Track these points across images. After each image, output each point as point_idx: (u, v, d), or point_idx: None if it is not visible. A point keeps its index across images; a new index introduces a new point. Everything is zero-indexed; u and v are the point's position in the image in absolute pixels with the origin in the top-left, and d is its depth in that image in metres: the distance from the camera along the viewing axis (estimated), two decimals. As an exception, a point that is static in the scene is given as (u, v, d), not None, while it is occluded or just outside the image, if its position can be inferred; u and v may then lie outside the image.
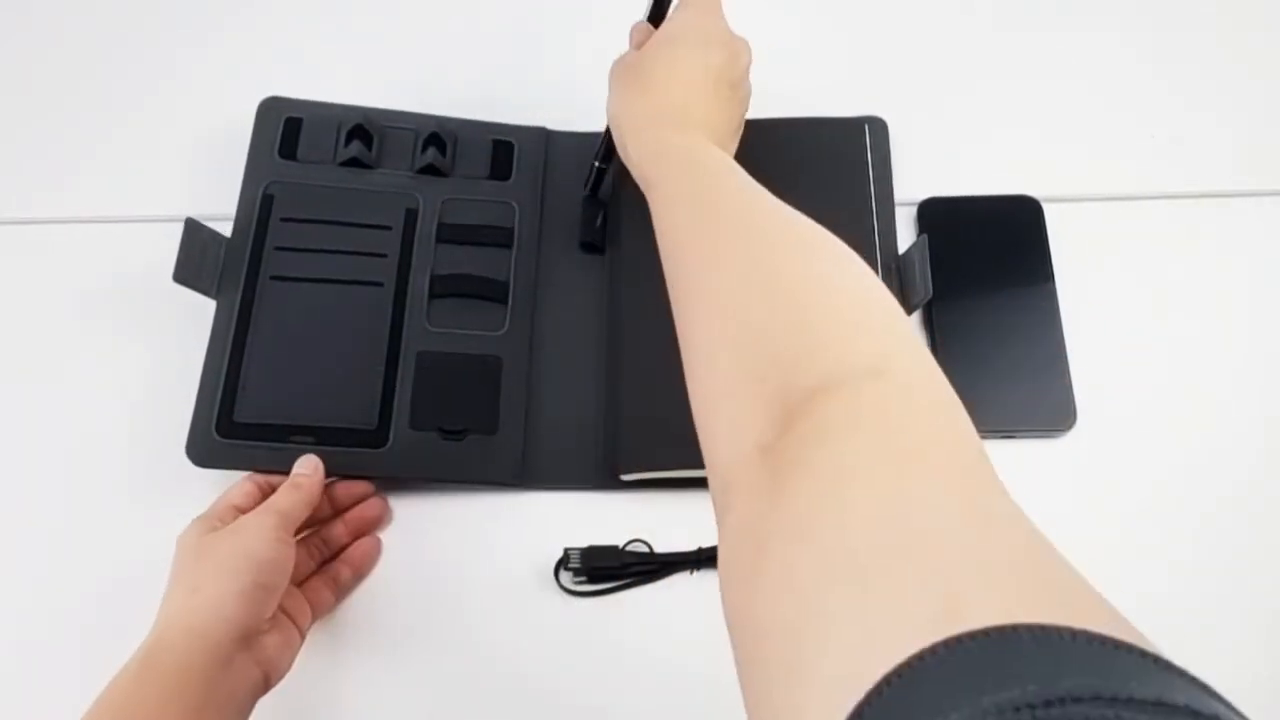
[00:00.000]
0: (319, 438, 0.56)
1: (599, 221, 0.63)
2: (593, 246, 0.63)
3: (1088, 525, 0.56)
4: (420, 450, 0.57)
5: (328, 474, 0.56)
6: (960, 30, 0.71)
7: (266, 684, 0.48)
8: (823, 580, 0.26)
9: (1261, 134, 0.67)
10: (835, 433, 0.30)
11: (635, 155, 0.51)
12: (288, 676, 0.54)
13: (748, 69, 0.55)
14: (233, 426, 0.56)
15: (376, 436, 0.57)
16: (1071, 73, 0.69)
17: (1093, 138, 0.67)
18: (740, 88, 0.55)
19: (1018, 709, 0.18)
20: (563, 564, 0.55)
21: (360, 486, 0.57)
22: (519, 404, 0.59)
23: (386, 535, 0.57)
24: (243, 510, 0.52)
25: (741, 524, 0.31)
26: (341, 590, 0.55)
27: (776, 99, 0.65)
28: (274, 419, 0.56)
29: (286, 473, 0.55)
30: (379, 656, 0.55)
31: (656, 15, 0.56)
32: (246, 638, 0.47)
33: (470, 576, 0.56)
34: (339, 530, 0.56)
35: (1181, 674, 0.20)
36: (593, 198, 0.64)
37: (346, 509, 0.57)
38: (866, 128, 0.64)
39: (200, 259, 0.58)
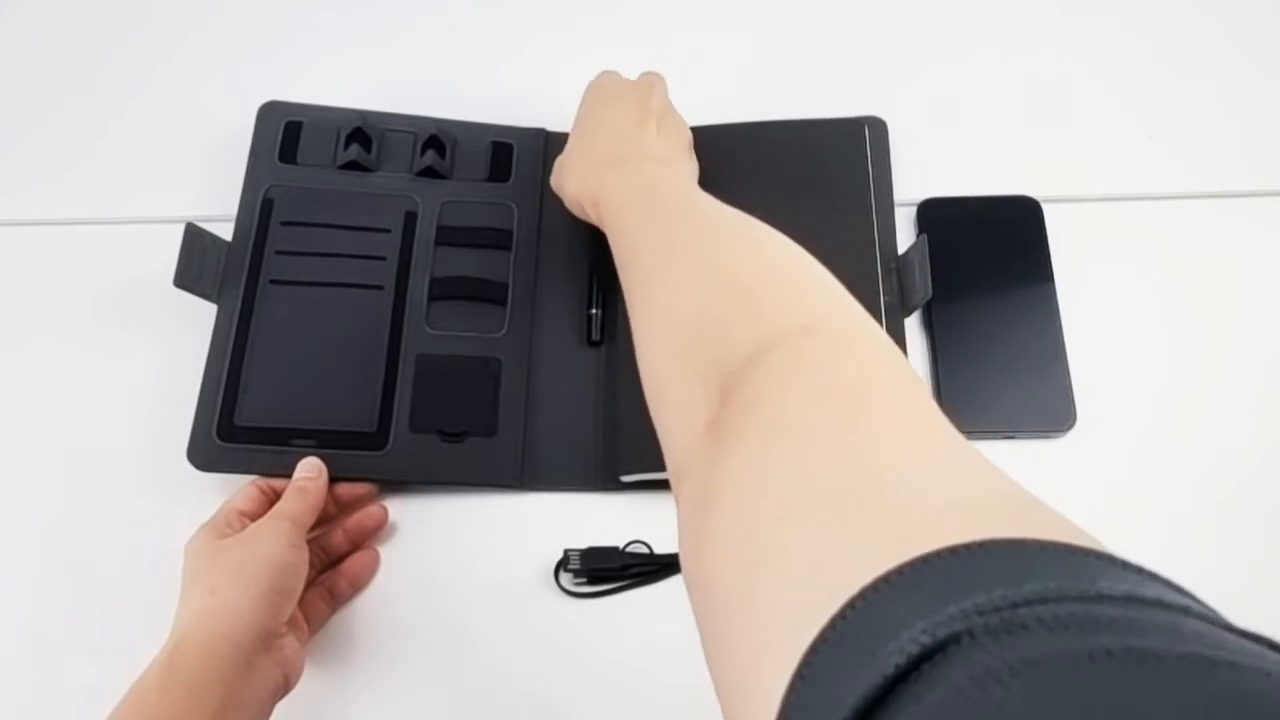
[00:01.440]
0: (319, 441, 0.56)
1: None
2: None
3: (1088, 524, 0.56)
4: (420, 453, 0.57)
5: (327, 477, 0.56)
6: (959, 31, 0.71)
7: (285, 687, 0.48)
8: (774, 525, 0.25)
9: (1261, 134, 0.67)
10: (774, 389, 0.30)
11: (590, 206, 0.52)
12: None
13: (665, 97, 0.57)
14: (234, 430, 0.56)
15: (376, 439, 0.57)
16: (1071, 73, 0.69)
17: (1092, 138, 0.67)
18: (669, 117, 0.56)
19: (982, 612, 0.18)
20: (562, 565, 0.55)
21: (362, 485, 0.57)
22: (518, 406, 0.59)
23: (386, 537, 0.57)
24: (248, 515, 0.52)
25: (692, 497, 0.31)
26: (337, 602, 0.55)
27: (776, 100, 0.65)
28: (275, 422, 0.57)
29: (288, 476, 0.55)
30: (378, 658, 0.55)
31: None
32: (267, 640, 0.47)
33: (470, 578, 0.56)
34: (339, 538, 0.56)
35: (1152, 575, 0.20)
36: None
37: (348, 506, 0.57)
38: (866, 128, 0.64)
39: (200, 264, 0.58)
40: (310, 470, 0.55)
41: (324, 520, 0.56)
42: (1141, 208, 0.64)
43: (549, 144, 0.66)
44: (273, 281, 0.60)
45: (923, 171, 0.65)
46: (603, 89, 0.58)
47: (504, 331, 0.60)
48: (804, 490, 0.26)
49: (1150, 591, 0.19)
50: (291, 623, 0.50)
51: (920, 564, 0.20)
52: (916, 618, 0.19)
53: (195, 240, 0.58)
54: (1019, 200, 0.64)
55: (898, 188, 0.64)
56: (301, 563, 0.50)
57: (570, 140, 0.58)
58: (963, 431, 0.61)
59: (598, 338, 0.61)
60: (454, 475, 0.57)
